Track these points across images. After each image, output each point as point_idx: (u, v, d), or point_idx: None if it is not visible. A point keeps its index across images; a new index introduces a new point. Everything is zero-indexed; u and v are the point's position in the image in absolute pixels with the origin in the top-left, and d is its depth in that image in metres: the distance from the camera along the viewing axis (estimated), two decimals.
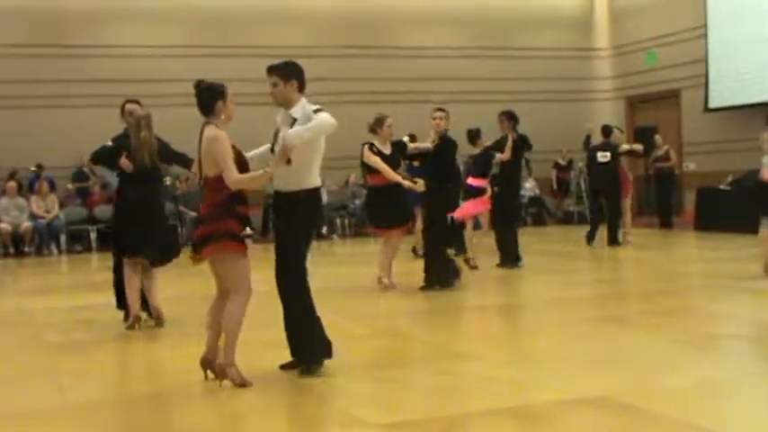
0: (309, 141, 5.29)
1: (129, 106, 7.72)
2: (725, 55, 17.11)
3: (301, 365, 5.58)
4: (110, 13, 17.30)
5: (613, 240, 13.60)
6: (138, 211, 7.43)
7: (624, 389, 5.04)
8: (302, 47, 17.79)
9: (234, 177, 5.21)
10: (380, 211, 9.37)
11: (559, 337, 6.86)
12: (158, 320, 7.59)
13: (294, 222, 5.53)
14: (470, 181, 11.05)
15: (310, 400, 5.17)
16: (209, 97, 5.36)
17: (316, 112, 5.42)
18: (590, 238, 13.68)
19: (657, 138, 17.07)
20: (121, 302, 7.73)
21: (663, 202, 16.96)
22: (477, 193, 10.97)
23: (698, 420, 4.40)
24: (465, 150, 11.17)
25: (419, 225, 12.19)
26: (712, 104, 17.56)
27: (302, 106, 5.51)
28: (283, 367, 5.68)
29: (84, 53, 16.94)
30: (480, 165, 11.10)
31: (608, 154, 13.60)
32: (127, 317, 7.63)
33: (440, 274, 9.19)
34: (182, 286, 9.51)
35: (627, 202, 14.01)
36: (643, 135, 17.75)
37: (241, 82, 17.02)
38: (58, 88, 15.70)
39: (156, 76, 15.72)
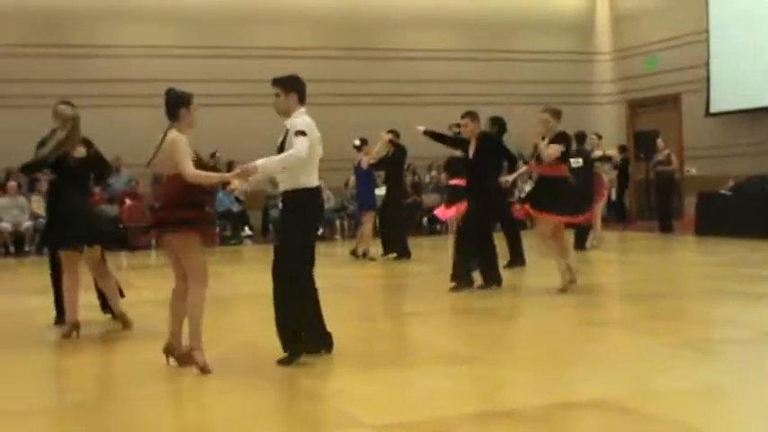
0: (273, 172, 5.90)
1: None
2: (726, 59, 17.12)
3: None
4: (108, 14, 17.35)
5: (580, 245, 13.53)
6: (81, 206, 7.27)
7: (622, 392, 5.03)
8: (298, 48, 17.86)
9: (191, 171, 5.63)
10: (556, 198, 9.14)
11: (557, 340, 6.86)
12: (125, 324, 7.42)
13: (289, 220, 5.94)
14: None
15: (306, 401, 5.16)
16: (174, 104, 5.77)
17: (297, 134, 5.76)
18: (577, 242, 13.39)
19: (659, 141, 17.05)
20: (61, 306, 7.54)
21: (663, 206, 16.95)
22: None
23: (695, 423, 4.40)
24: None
25: (366, 229, 12.61)
26: (713, 109, 17.58)
27: (294, 119, 5.88)
28: (280, 362, 5.80)
29: (81, 53, 16.98)
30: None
31: (580, 160, 13.62)
32: (61, 320, 7.48)
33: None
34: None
35: (598, 208, 13.92)
36: (645, 139, 17.74)
37: (239, 83, 17.05)
38: (56, 88, 15.68)
39: (154, 76, 15.68)
